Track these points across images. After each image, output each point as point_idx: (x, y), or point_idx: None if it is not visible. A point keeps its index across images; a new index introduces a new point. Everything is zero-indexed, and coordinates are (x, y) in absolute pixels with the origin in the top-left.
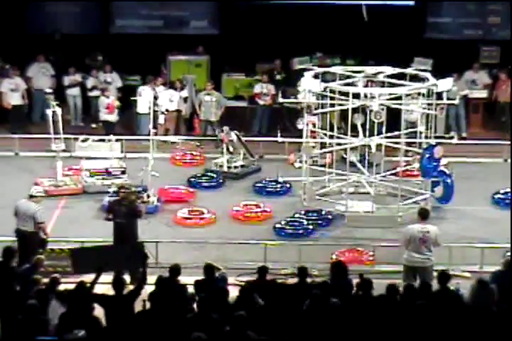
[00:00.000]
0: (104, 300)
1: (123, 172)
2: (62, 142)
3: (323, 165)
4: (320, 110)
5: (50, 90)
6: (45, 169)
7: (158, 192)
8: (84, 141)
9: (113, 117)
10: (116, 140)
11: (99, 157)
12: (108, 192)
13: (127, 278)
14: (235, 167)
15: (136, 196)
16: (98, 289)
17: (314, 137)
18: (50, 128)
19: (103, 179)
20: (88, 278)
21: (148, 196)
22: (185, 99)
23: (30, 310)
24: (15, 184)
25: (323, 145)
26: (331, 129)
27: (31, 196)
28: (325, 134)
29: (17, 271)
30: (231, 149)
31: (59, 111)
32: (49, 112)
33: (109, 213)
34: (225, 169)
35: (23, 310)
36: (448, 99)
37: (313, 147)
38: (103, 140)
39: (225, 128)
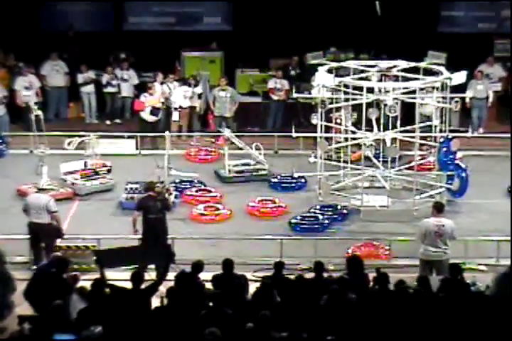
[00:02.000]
0: (121, 294)
1: (109, 171)
2: (46, 146)
3: (352, 161)
4: (334, 105)
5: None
6: (58, 166)
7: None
8: (69, 143)
9: (145, 115)
10: (130, 137)
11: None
12: (125, 190)
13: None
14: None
15: (166, 190)
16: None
17: (340, 133)
18: (34, 132)
19: (91, 179)
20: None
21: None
22: (199, 96)
23: (56, 311)
24: (30, 182)
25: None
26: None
27: (40, 189)
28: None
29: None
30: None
31: (41, 115)
32: (32, 117)
33: (140, 210)
34: (227, 173)
35: (49, 309)
36: (475, 98)
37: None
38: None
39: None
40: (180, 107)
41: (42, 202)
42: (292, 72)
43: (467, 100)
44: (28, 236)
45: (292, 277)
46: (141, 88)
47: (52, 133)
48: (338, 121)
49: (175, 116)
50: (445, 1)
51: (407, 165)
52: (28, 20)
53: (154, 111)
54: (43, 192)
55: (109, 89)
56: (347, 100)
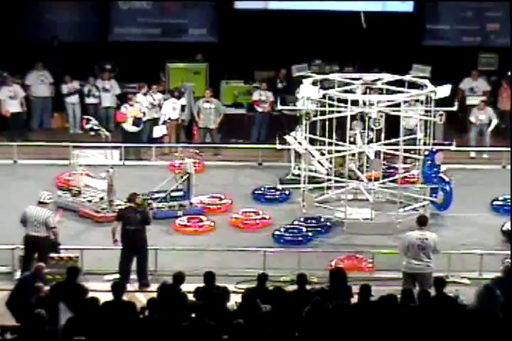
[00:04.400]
0: (104, 306)
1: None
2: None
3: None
4: (319, 117)
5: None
6: (44, 177)
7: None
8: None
9: (127, 126)
10: (114, 147)
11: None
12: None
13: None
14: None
15: (148, 203)
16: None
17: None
18: None
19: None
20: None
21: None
22: (182, 107)
23: (38, 320)
24: (14, 192)
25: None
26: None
27: (40, 202)
28: (323, 141)
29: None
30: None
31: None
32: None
33: (119, 220)
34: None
35: (31, 320)
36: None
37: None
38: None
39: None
40: (170, 119)
41: (42, 217)
42: (279, 85)
43: (473, 120)
44: (23, 248)
45: (271, 288)
46: (124, 98)
47: (36, 143)
48: (352, 139)
49: (163, 129)
50: (430, 14)
51: (391, 178)
52: (12, 29)
53: (136, 121)
54: (42, 205)
55: (91, 100)
56: (331, 113)
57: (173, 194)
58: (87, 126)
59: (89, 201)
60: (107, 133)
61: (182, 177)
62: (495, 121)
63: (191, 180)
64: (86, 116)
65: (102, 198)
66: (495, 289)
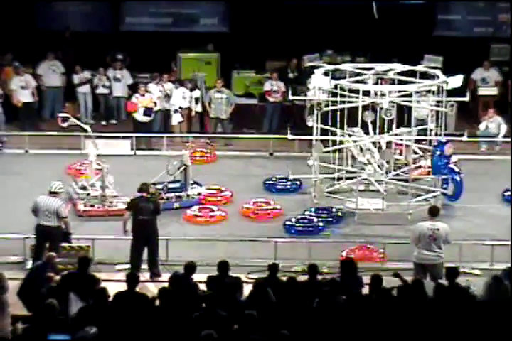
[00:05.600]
0: (116, 296)
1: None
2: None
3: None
4: (330, 107)
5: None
6: (55, 167)
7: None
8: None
9: (138, 116)
10: (125, 137)
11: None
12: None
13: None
14: None
15: (159, 193)
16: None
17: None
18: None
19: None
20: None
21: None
22: (196, 100)
23: (49, 310)
24: (25, 181)
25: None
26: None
27: (52, 192)
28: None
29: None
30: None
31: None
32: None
33: (130, 210)
34: None
35: (42, 309)
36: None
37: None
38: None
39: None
40: (180, 108)
41: (53, 206)
42: (290, 75)
43: (482, 128)
44: (34, 237)
45: (284, 279)
46: (136, 88)
47: (48, 133)
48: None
49: (178, 117)
50: (442, 5)
51: (402, 169)
52: (24, 20)
53: (147, 111)
54: (53, 195)
55: (101, 90)
56: (343, 103)
57: (170, 185)
58: (65, 125)
59: (88, 194)
60: (88, 128)
61: (179, 168)
62: (504, 127)
63: (188, 172)
64: (62, 115)
65: (92, 185)
66: (504, 280)
